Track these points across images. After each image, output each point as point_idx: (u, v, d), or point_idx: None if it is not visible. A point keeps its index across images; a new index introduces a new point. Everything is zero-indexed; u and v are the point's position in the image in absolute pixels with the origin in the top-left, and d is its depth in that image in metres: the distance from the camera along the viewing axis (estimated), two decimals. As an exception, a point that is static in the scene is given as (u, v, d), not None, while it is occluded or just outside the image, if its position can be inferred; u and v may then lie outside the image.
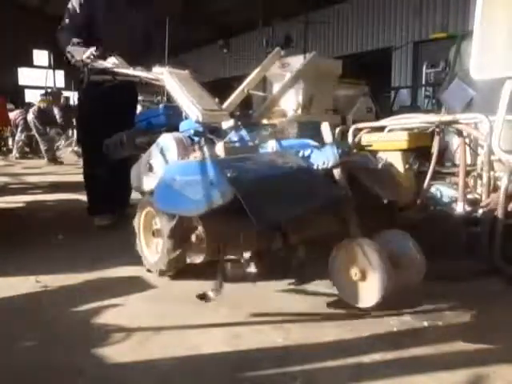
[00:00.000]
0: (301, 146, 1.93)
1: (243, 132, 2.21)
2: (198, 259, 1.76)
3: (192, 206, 1.66)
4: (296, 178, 1.71)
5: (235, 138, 2.19)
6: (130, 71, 2.67)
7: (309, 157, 1.86)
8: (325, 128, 1.78)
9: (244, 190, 1.52)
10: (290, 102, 4.29)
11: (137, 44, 3.38)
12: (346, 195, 1.69)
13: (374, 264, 1.53)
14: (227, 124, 2.42)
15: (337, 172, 1.72)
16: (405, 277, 1.68)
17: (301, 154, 1.88)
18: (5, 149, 11.34)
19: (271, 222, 1.82)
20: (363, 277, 1.57)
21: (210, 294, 1.91)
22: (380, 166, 2.04)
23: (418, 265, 1.67)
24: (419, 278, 1.66)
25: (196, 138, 2.39)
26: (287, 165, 1.74)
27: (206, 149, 1.83)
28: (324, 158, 1.77)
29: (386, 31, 11.07)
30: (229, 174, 1.53)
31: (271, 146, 2.02)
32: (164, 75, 2.48)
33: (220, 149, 2.10)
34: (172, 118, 2.75)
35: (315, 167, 1.79)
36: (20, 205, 4.40)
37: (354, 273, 1.58)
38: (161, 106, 3.02)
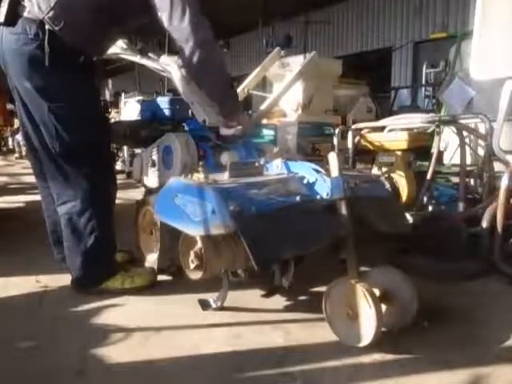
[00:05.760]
0: (307, 171, 1.86)
1: (250, 143, 2.18)
2: (196, 276, 1.75)
3: (192, 225, 1.64)
4: (299, 214, 1.67)
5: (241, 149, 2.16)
6: (137, 58, 2.53)
7: (313, 184, 1.81)
8: (332, 159, 1.71)
9: (246, 229, 1.51)
10: (290, 102, 4.28)
11: None
12: (347, 234, 1.65)
13: (366, 305, 1.52)
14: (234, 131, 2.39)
15: (340, 205, 1.67)
16: (396, 314, 1.68)
17: (305, 181, 1.83)
18: (5, 149, 11.33)
19: (270, 264, 1.84)
20: (355, 316, 1.56)
21: (212, 302, 1.91)
22: (389, 191, 1.99)
23: (410, 301, 1.67)
24: (411, 314, 1.66)
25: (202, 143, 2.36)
26: (291, 196, 1.70)
27: (209, 174, 1.76)
28: (329, 189, 1.73)
29: (386, 31, 11.07)
30: (231, 207, 1.51)
31: (276, 164, 2.00)
32: (172, 67, 2.37)
33: (225, 158, 2.07)
34: (178, 113, 2.71)
35: (319, 197, 1.76)
36: (20, 205, 4.39)
37: (347, 312, 1.58)
38: (167, 98, 2.95)
